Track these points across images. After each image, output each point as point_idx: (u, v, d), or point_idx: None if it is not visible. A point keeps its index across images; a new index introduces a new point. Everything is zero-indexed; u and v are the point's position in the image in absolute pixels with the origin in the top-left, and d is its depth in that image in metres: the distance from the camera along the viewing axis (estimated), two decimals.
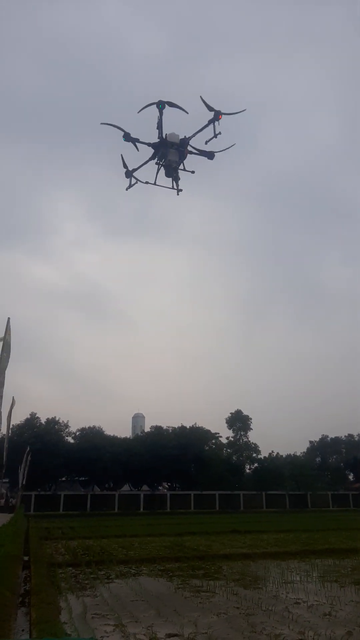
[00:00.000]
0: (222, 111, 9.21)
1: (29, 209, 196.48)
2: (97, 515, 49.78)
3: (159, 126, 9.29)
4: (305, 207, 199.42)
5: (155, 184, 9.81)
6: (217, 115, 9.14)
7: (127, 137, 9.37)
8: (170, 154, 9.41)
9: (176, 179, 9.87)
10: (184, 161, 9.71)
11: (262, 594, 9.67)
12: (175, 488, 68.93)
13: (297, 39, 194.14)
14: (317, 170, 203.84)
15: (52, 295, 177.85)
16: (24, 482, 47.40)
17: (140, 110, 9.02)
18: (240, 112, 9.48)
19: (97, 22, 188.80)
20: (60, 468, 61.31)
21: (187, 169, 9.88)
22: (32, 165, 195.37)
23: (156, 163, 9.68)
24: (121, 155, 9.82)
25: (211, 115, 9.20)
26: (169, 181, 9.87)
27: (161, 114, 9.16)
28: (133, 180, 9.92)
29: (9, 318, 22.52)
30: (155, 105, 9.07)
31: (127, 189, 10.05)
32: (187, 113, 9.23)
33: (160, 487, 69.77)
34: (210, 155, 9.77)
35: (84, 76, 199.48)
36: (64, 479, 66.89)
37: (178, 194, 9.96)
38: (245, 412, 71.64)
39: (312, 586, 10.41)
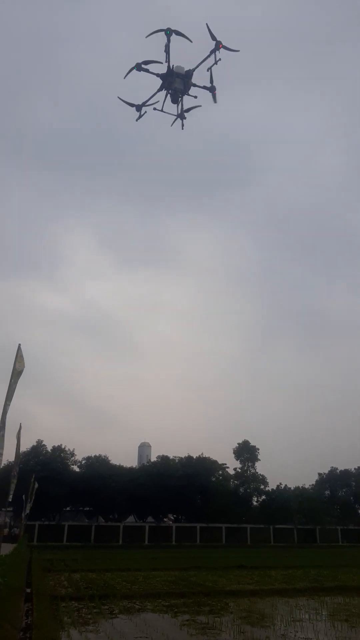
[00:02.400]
0: (223, 43, 10.19)
1: (42, 239, 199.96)
2: (101, 547, 48.81)
3: (167, 52, 10.11)
4: (311, 238, 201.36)
5: (162, 110, 10.80)
6: (218, 44, 10.11)
7: (138, 67, 10.22)
8: (177, 83, 10.42)
9: (181, 116, 10.92)
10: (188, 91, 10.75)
11: (270, 632, 9.39)
12: (180, 520, 67.59)
13: (305, 75, 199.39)
14: (323, 203, 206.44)
15: (61, 323, 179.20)
16: (27, 512, 46.70)
17: (148, 35, 9.81)
18: (236, 51, 10.35)
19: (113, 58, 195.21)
20: (65, 497, 60.51)
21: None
22: (45, 196, 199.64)
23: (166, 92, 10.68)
24: (119, 97, 10.89)
25: (212, 47, 10.16)
26: (174, 110, 10.93)
27: (169, 40, 9.96)
28: (143, 111, 10.93)
29: (19, 344, 22.68)
30: (163, 33, 9.94)
31: (137, 120, 11.04)
32: (192, 41, 10.08)
33: (165, 519, 68.46)
34: (211, 88, 10.71)
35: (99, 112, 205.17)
36: (68, 508, 65.91)
37: (183, 128, 11.04)
38: (252, 443, 70.78)
39: (322, 625, 10.10)
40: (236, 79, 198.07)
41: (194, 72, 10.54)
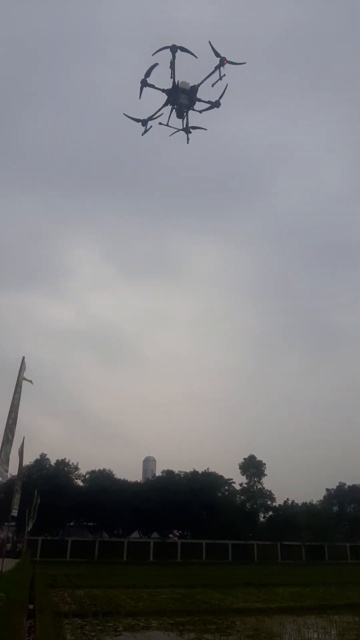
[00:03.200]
0: (227, 59, 10.38)
1: (47, 252, 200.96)
2: (105, 563, 48.20)
3: (172, 67, 10.25)
4: (316, 250, 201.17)
5: (167, 125, 10.97)
6: (222, 61, 10.30)
7: (144, 82, 10.46)
8: (182, 98, 10.59)
9: (187, 131, 11.10)
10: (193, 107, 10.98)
11: None
12: (186, 536, 66.74)
13: (310, 89, 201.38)
14: (329, 215, 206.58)
15: (66, 336, 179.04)
16: (30, 528, 46.26)
17: (155, 53, 10.01)
18: (242, 63, 10.57)
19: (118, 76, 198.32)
20: (69, 512, 59.94)
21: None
22: (50, 209, 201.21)
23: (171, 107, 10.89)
24: (124, 114, 11.18)
25: (217, 62, 10.36)
26: (179, 125, 11.15)
27: (174, 56, 10.10)
28: (148, 125, 11.12)
29: (23, 357, 22.62)
30: (169, 50, 10.12)
31: (142, 134, 11.24)
32: (197, 57, 10.21)
33: (170, 535, 67.62)
34: (216, 104, 10.97)
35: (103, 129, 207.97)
36: (72, 523, 65.25)
37: (188, 142, 11.23)
38: (259, 458, 70.03)
39: None
40: (240, 93, 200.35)
41: (199, 87, 10.68)
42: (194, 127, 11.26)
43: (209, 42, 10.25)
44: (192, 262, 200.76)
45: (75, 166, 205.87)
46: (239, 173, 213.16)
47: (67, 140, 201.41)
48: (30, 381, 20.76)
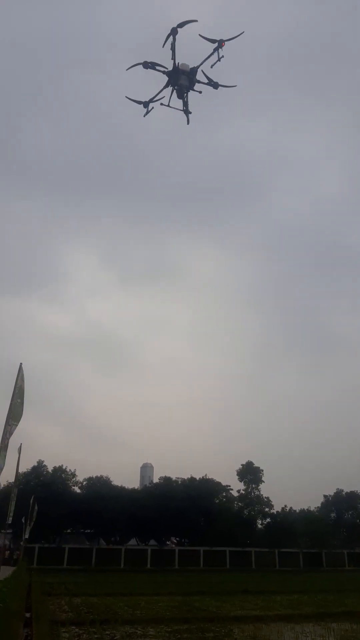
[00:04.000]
0: (224, 39, 10.71)
1: (45, 258, 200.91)
2: (103, 570, 47.94)
3: (172, 49, 10.55)
4: (314, 257, 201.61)
5: (169, 105, 11.30)
6: (221, 42, 10.66)
7: (145, 64, 10.81)
8: (182, 79, 10.97)
9: (187, 111, 11.38)
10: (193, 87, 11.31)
11: None
12: (183, 543, 66.44)
13: (306, 98, 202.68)
14: (326, 223, 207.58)
15: (64, 342, 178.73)
16: (27, 535, 45.96)
17: (164, 44, 10.41)
18: (239, 35, 10.81)
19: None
20: (66, 519, 59.64)
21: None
22: (47, 215, 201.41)
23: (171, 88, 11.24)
24: (126, 96, 11.52)
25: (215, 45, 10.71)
26: (179, 106, 11.50)
27: (174, 39, 10.41)
28: (150, 107, 11.45)
29: (21, 363, 22.58)
30: (171, 33, 10.43)
31: (144, 116, 11.55)
32: (197, 20, 10.49)
33: (168, 542, 67.31)
34: (215, 85, 11.29)
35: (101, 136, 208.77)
36: (69, 530, 64.91)
37: (188, 123, 11.55)
38: (256, 464, 69.87)
39: None
40: (240, 100, 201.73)
41: (199, 69, 11.06)
42: (192, 91, 11.59)
43: (199, 34, 10.61)
44: (190, 267, 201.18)
45: (74, 172, 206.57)
46: (237, 179, 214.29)
47: (65, 146, 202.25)
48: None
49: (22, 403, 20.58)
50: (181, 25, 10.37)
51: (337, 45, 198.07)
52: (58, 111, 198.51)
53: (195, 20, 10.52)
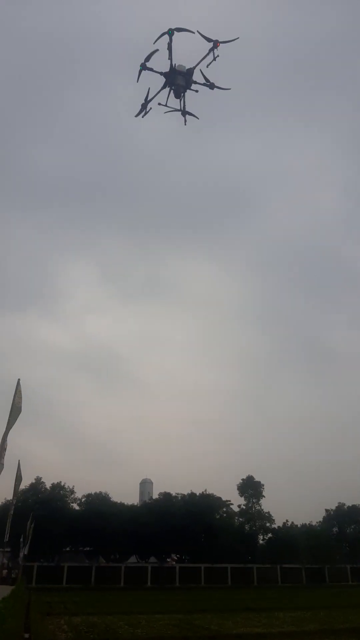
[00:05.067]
0: (219, 40, 10.84)
1: (44, 274, 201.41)
2: (102, 589, 47.25)
3: (169, 50, 10.72)
4: (310, 271, 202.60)
5: (166, 105, 11.41)
6: (216, 43, 10.84)
7: (143, 66, 10.92)
8: (179, 80, 11.16)
9: (184, 112, 11.55)
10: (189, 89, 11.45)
11: None
12: (184, 560, 65.57)
13: (301, 115, 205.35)
14: (322, 237, 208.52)
15: (62, 358, 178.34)
16: (25, 553, 45.36)
17: (155, 41, 10.53)
18: (234, 40, 10.98)
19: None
20: (65, 537, 58.89)
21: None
22: (46, 232, 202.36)
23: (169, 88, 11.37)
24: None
25: (211, 45, 10.86)
26: (177, 106, 11.61)
27: (171, 40, 10.60)
28: (148, 107, 11.52)
29: (19, 379, 22.46)
30: (167, 33, 10.61)
31: (142, 116, 11.68)
32: (194, 32, 10.72)
33: (168, 559, 66.43)
34: (211, 85, 11.46)
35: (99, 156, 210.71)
36: (67, 548, 64.04)
37: (185, 124, 11.70)
38: (257, 478, 69.32)
39: None
40: (235, 116, 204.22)
41: (195, 70, 11.22)
42: (190, 114, 11.76)
43: (198, 31, 10.78)
44: (187, 284, 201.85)
45: (73, 191, 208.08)
46: (233, 196, 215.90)
47: (64, 166, 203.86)
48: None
49: (14, 420, 20.44)
50: (178, 29, 10.65)
51: (331, 62, 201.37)
52: (58, 131, 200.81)
53: (192, 32, 10.76)
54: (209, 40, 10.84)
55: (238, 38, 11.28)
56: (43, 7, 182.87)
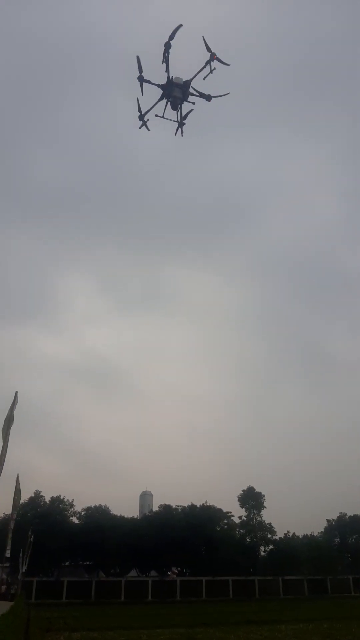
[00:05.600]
0: (216, 55, 11.07)
1: (43, 286, 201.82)
2: (103, 603, 46.74)
3: (166, 62, 10.93)
4: (309, 280, 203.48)
5: (163, 117, 11.62)
6: (212, 55, 11.06)
7: (140, 78, 11.11)
8: (175, 92, 11.38)
9: (181, 123, 11.71)
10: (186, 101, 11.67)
11: None
12: (185, 573, 64.92)
13: (299, 124, 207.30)
14: (319, 246, 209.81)
15: (61, 369, 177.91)
16: (25, 569, 44.83)
17: (163, 59, 10.83)
18: (227, 64, 11.24)
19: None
20: (64, 551, 58.32)
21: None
22: (45, 244, 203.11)
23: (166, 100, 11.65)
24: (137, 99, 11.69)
25: (208, 57, 11.10)
26: (174, 117, 11.82)
27: (168, 52, 10.80)
28: (145, 118, 11.73)
29: (16, 392, 22.42)
30: (166, 48, 10.81)
31: (140, 127, 11.88)
32: (182, 25, 10.68)
33: (169, 573, 65.77)
34: (207, 97, 11.65)
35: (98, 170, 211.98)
36: (67, 563, 63.41)
37: (182, 135, 11.88)
38: (257, 488, 68.86)
39: None
40: (233, 126, 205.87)
41: (192, 82, 11.46)
42: (185, 116, 11.98)
43: (202, 37, 11.01)
44: (186, 293, 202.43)
45: (71, 203, 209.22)
46: (231, 207, 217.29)
47: (62, 178, 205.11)
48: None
49: (8, 429, 20.31)
50: (171, 37, 10.79)
51: (327, 75, 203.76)
52: (56, 143, 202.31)
53: (180, 25, 10.91)
54: (208, 49, 11.01)
55: (229, 65, 11.51)
56: (44, 16, 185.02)
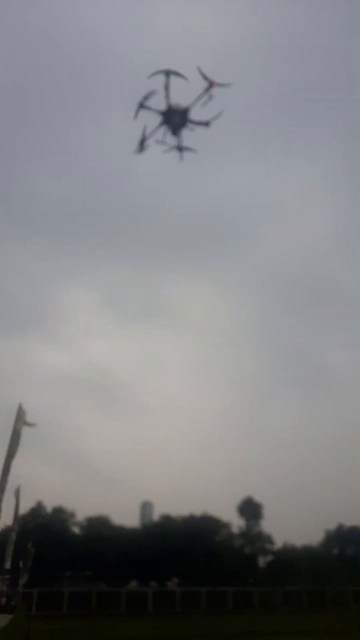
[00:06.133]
0: (215, 81, 11.33)
1: (44, 299, 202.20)
2: (103, 615, 46.68)
3: (166, 89, 11.33)
4: (306, 295, 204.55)
5: (163, 142, 12.04)
6: (210, 83, 11.36)
7: (141, 105, 11.57)
8: (175, 118, 11.61)
9: (180, 148, 12.06)
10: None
11: None
12: (185, 583, 64.81)
13: (292, 144, 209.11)
14: (316, 262, 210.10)
15: (62, 381, 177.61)
16: (25, 580, 44.85)
17: (150, 76, 11.15)
18: (228, 84, 11.44)
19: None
20: (65, 562, 58.30)
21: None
22: (48, 258, 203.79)
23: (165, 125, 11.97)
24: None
25: (206, 85, 11.48)
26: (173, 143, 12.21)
27: (168, 80, 11.22)
28: (146, 144, 12.17)
29: (20, 404, 22.56)
30: (164, 75, 11.28)
31: (139, 153, 12.17)
32: (187, 79, 11.37)
33: (169, 583, 65.64)
34: (206, 124, 12.01)
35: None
36: (68, 574, 63.30)
37: (182, 159, 12.19)
38: (256, 499, 68.90)
39: None
40: (229, 146, 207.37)
41: (192, 108, 12.02)
42: (186, 148, 12.16)
43: (198, 67, 11.62)
44: (185, 306, 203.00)
45: (72, 217, 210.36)
46: (227, 223, 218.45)
47: (65, 193, 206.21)
48: (34, 424, 20.60)
49: (17, 444, 20.54)
50: (174, 73, 11.14)
51: (321, 94, 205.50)
52: (59, 158, 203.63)
53: (186, 79, 11.30)
54: (205, 78, 11.38)
55: (230, 84, 11.79)
56: (45, 35, 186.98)
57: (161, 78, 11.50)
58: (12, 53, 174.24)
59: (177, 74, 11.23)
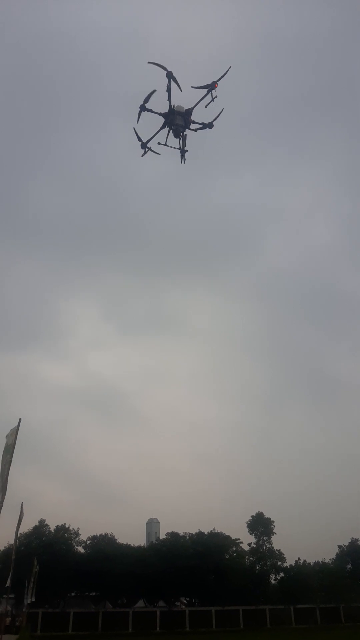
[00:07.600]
0: (215, 80, 11.21)
1: (47, 312, 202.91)
2: (110, 635, 45.54)
3: (168, 91, 11.05)
4: (311, 303, 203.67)
5: (165, 144, 11.76)
6: (214, 84, 11.19)
7: (143, 107, 11.24)
8: (177, 120, 11.44)
9: (183, 151, 11.86)
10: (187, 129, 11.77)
11: None
12: (194, 603, 63.27)
13: (295, 152, 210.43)
14: (319, 269, 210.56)
15: (66, 395, 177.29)
16: (29, 601, 43.87)
17: (151, 63, 10.81)
18: (227, 70, 11.26)
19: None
20: (70, 582, 57.09)
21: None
22: (50, 271, 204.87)
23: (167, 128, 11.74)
24: (134, 128, 11.83)
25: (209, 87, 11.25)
26: (176, 144, 11.98)
27: (170, 82, 10.89)
28: (148, 146, 11.87)
29: (20, 419, 22.21)
30: (165, 75, 10.92)
31: (142, 155, 12.00)
32: (181, 90, 11.04)
33: (178, 603, 64.12)
34: (209, 125, 11.79)
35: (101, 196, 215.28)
36: (73, 594, 62.00)
37: (184, 162, 12.02)
38: (266, 514, 67.45)
39: None
40: (233, 152, 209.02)
41: (194, 109, 11.62)
42: (185, 151, 11.99)
43: (192, 87, 11.30)
44: (188, 317, 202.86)
45: (74, 230, 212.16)
46: (230, 231, 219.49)
47: (66, 205, 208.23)
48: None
49: (10, 460, 20.09)
50: (174, 79, 10.92)
51: (323, 103, 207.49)
52: (59, 173, 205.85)
53: (180, 90, 11.07)
54: (205, 86, 11.16)
55: (230, 67, 11.56)
56: (45, 39, 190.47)
57: (160, 78, 11.28)
58: (12, 54, 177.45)
59: (175, 81, 11.04)
